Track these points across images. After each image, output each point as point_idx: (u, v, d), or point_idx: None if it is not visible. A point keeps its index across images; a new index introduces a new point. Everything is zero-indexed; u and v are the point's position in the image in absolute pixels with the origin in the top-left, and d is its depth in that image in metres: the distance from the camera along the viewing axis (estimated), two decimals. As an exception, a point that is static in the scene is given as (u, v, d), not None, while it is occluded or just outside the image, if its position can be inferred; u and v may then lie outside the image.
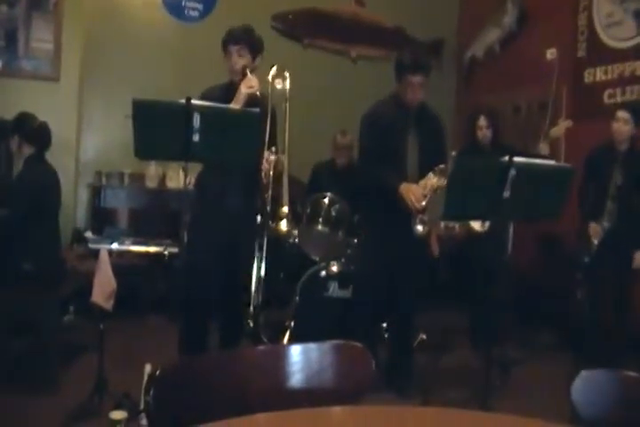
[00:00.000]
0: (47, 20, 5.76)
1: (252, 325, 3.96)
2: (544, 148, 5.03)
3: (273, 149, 3.67)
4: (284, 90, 3.73)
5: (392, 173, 3.90)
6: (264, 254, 3.87)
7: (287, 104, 3.77)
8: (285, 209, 3.68)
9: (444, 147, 4.18)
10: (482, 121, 4.89)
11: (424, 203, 3.77)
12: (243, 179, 3.69)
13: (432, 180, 3.75)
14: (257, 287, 3.84)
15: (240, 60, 3.66)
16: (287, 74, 3.73)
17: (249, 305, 3.93)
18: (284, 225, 3.72)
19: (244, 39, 3.69)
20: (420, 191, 3.77)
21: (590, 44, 5.63)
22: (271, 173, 3.66)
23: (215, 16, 6.52)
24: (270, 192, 3.75)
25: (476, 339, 4.88)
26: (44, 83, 5.76)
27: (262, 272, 3.90)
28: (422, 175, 3.91)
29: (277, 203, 3.73)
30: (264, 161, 3.63)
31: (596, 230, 4.33)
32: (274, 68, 3.74)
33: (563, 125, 4.85)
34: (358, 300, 4.29)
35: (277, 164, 3.68)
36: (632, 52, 5.22)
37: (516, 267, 4.91)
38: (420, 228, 3.83)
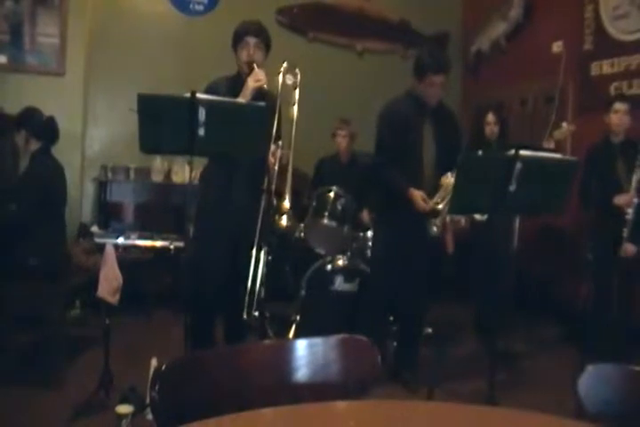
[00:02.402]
0: (52, 14, 5.76)
1: (256, 319, 3.96)
2: (549, 144, 5.01)
3: (280, 142, 3.66)
4: (294, 86, 3.70)
5: (403, 175, 3.94)
6: (269, 248, 3.86)
7: (296, 100, 3.75)
8: (287, 204, 3.67)
9: (460, 144, 4.20)
10: (490, 117, 4.88)
11: (441, 206, 3.80)
12: (248, 172, 3.69)
13: (450, 179, 3.77)
14: (262, 281, 3.83)
15: (258, 52, 3.65)
16: (298, 70, 3.71)
17: (255, 299, 3.92)
18: (284, 220, 3.71)
19: (263, 33, 3.70)
20: (423, 196, 3.84)
21: (597, 36, 5.60)
22: (276, 167, 3.65)
23: (220, 10, 6.51)
24: (274, 186, 3.74)
25: (480, 333, 4.88)
26: (49, 77, 5.76)
27: (267, 266, 3.89)
28: (439, 173, 3.93)
29: (280, 197, 3.73)
30: (270, 154, 3.62)
31: (626, 200, 4.20)
32: (285, 64, 3.73)
33: (566, 129, 4.83)
34: (369, 295, 4.30)
35: (282, 158, 3.67)
36: (639, 44, 5.19)
37: (521, 260, 4.90)
38: (435, 229, 3.87)
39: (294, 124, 3.66)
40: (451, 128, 4.14)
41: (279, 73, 3.62)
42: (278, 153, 3.63)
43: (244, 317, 3.66)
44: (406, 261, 4.02)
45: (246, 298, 3.64)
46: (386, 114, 4.09)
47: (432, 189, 3.95)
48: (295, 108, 3.68)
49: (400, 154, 3.98)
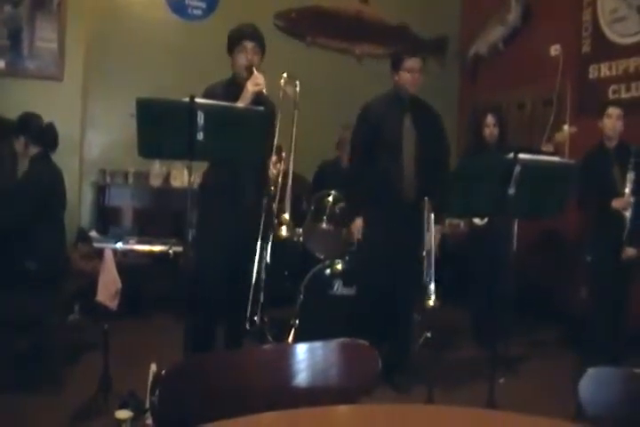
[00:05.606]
0: (51, 19, 5.76)
1: (257, 323, 3.96)
2: (548, 147, 5.01)
3: (283, 154, 3.66)
4: (293, 97, 3.70)
5: (383, 173, 3.99)
6: (268, 252, 3.86)
7: (296, 112, 3.74)
8: (287, 216, 3.66)
9: (443, 140, 4.21)
10: (489, 119, 4.87)
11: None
12: (250, 177, 3.68)
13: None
14: (261, 286, 3.83)
15: (255, 56, 3.65)
16: (298, 82, 3.70)
17: (254, 303, 3.92)
18: (284, 231, 3.70)
19: (258, 37, 3.70)
20: (358, 228, 4.05)
21: (595, 39, 5.61)
22: (279, 179, 3.66)
23: (218, 15, 6.52)
24: (277, 196, 3.75)
25: (479, 337, 4.87)
26: (47, 82, 5.76)
27: (266, 270, 3.89)
28: (420, 166, 3.97)
29: (280, 208, 3.74)
30: (271, 166, 3.63)
31: (622, 203, 4.22)
32: (284, 75, 3.72)
33: (567, 131, 4.83)
34: (361, 298, 4.30)
35: (284, 172, 3.68)
36: (636, 47, 5.21)
37: (520, 264, 4.90)
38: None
39: (293, 137, 3.65)
40: (431, 121, 4.16)
41: (280, 84, 3.61)
42: (280, 165, 3.64)
43: (247, 326, 3.67)
44: (392, 259, 4.02)
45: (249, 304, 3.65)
46: (361, 112, 4.13)
47: (412, 186, 3.98)
48: (295, 122, 3.68)
49: (379, 151, 3.99)
